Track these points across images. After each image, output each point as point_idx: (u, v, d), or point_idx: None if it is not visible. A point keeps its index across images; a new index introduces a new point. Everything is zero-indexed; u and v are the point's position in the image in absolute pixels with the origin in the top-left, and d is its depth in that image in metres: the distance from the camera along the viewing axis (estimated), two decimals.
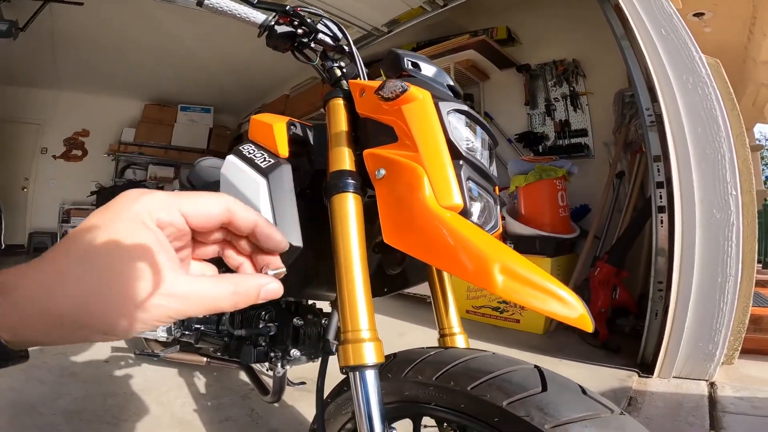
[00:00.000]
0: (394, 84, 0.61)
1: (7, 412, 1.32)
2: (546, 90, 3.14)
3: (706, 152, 1.49)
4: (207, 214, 0.29)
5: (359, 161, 0.65)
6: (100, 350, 1.90)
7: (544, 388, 0.48)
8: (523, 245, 2.45)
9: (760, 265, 4.13)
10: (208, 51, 4.37)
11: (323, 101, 0.73)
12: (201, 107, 5.89)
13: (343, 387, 0.70)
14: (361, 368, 0.56)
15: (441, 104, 0.61)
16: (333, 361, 0.68)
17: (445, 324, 0.75)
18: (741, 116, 1.52)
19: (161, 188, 5.73)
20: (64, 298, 0.23)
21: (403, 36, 3.49)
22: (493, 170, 0.70)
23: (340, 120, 0.68)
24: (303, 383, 1.62)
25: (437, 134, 0.59)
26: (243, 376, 1.75)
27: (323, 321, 1.08)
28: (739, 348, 1.76)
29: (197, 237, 0.31)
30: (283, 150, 0.72)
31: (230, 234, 0.32)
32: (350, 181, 0.62)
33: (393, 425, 0.64)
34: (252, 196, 0.68)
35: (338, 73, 0.75)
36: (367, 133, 0.66)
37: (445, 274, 0.79)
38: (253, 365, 1.34)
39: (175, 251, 0.28)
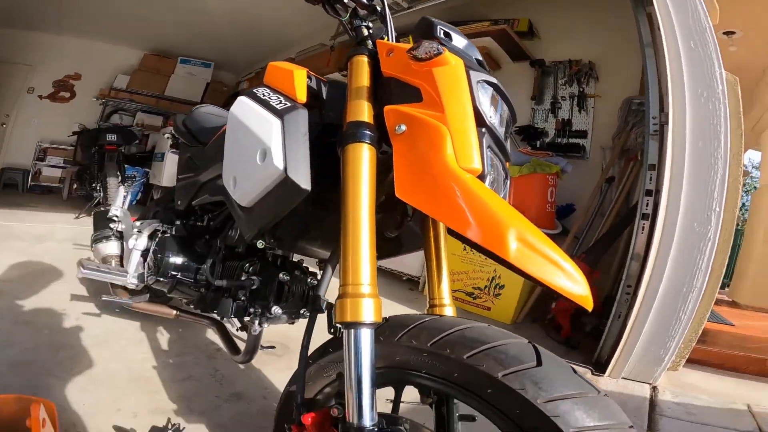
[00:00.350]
0: (430, 45, 0.62)
1: None
2: (555, 87, 3.15)
3: (701, 167, 1.52)
4: None
5: (376, 118, 0.65)
6: (60, 298, 1.77)
7: (539, 363, 0.48)
8: None
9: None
10: (218, 3, 4.16)
11: (347, 57, 0.72)
12: (202, 62, 5.77)
13: (328, 348, 0.69)
14: (357, 326, 0.54)
15: (472, 73, 0.62)
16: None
17: (436, 294, 0.75)
18: (744, 137, 1.55)
19: (147, 136, 5.52)
20: None
21: (423, 13, 3.37)
22: (508, 146, 0.71)
23: (362, 75, 0.68)
24: (272, 347, 1.58)
25: (465, 99, 0.60)
26: (211, 334, 1.68)
27: (309, 280, 1.06)
28: (687, 356, 1.87)
29: None
30: (302, 95, 0.71)
31: None
32: (368, 132, 0.62)
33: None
34: (264, 135, 0.67)
35: (365, 32, 0.75)
36: (389, 92, 0.66)
37: (443, 245, 0.79)
38: (226, 323, 1.29)
39: None
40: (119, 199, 1.78)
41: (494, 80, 0.66)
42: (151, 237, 1.36)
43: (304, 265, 1.12)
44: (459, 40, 0.72)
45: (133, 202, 4.52)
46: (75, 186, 4.86)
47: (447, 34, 0.71)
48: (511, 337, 0.53)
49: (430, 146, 0.56)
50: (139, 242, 1.35)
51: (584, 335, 2.24)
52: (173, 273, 1.21)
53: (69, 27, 4.88)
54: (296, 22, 4.26)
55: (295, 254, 1.12)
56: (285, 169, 0.64)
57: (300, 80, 0.72)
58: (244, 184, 0.74)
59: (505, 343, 0.51)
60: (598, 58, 2.97)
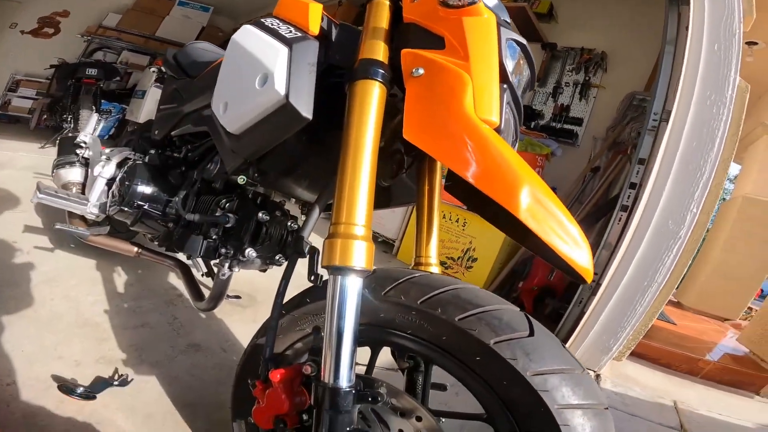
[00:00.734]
0: None
1: None
2: (561, 73, 3.15)
3: (689, 166, 1.55)
4: None
5: (390, 61, 0.61)
6: (12, 228, 1.60)
7: (531, 333, 0.47)
8: None
9: None
10: None
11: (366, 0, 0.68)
12: (201, 5, 5.36)
13: (305, 298, 0.64)
14: (346, 271, 0.49)
15: (502, 30, 0.60)
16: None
17: (424, 252, 0.73)
18: (737, 145, 1.58)
19: (130, 74, 5.05)
20: None
21: None
22: (522, 108, 0.68)
23: (381, 17, 0.64)
24: (238, 297, 1.50)
25: (493, 53, 0.57)
26: (173, 278, 1.57)
27: (290, 223, 1.00)
28: (632, 348, 1.96)
29: None
30: (315, 28, 0.67)
31: None
32: (381, 70, 0.58)
33: None
34: (268, 62, 0.63)
35: None
36: (408, 37, 0.62)
37: (436, 201, 0.77)
38: (192, 267, 1.20)
39: None
40: (90, 126, 1.63)
41: (523, 41, 0.64)
42: (120, 165, 1.25)
43: (285, 207, 1.07)
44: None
45: (105, 137, 4.21)
46: (45, 117, 4.51)
47: None
48: (503, 303, 0.51)
49: (449, 92, 0.53)
50: (106, 169, 1.24)
51: (544, 317, 2.36)
52: (140, 203, 1.12)
53: None
54: None
55: (276, 196, 1.06)
56: (287, 95, 0.60)
57: (315, 13, 0.69)
58: (236, 108, 0.69)
59: (498, 309, 0.49)
60: (612, 50, 2.97)
